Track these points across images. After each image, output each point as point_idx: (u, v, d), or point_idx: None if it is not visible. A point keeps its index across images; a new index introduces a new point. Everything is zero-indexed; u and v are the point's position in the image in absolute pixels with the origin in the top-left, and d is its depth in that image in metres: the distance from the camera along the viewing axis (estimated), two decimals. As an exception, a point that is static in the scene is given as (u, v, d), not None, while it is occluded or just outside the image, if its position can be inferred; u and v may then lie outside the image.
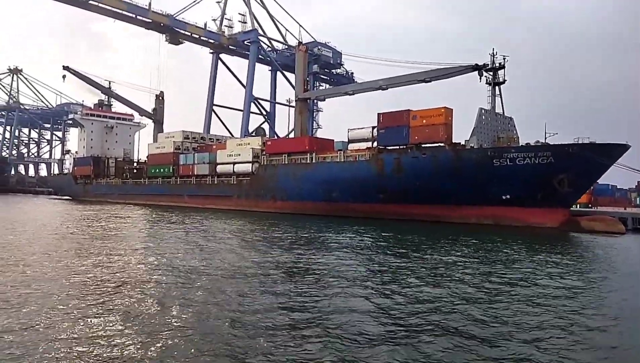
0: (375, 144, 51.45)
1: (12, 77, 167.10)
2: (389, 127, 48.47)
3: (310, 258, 21.35)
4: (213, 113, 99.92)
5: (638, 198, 73.07)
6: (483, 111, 46.09)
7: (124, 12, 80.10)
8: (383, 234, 33.87)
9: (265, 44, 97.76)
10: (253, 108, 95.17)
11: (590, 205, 57.21)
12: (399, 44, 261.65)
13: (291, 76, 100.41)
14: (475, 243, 29.39)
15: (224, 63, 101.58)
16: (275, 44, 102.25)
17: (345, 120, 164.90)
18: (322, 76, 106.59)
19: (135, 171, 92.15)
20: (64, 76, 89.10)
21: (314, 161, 55.82)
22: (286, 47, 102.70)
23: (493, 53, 48.43)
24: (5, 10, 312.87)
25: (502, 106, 48.83)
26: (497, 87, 48.45)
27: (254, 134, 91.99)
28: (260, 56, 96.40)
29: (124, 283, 15.10)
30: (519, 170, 41.05)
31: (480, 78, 48.68)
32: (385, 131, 48.95)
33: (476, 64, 48.81)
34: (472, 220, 43.71)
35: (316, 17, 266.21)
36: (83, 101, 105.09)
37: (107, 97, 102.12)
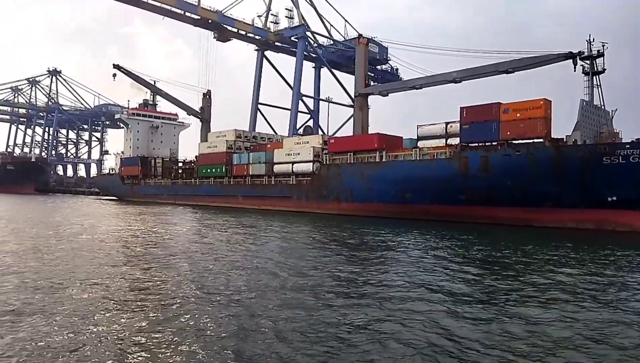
0: (449, 141, 47.75)
1: (51, 79, 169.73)
2: (474, 122, 44.42)
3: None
4: (258, 112, 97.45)
5: None
6: (584, 103, 41.72)
7: (173, 9, 78.03)
8: (475, 241, 30.73)
9: (311, 39, 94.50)
10: (300, 106, 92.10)
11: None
12: (443, 40, 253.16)
13: (337, 73, 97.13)
14: (587, 249, 26.71)
15: (268, 60, 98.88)
16: (320, 39, 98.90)
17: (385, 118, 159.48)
18: (368, 73, 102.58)
19: (184, 171, 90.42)
20: (114, 75, 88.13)
21: (384, 159, 52.29)
22: (332, 42, 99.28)
23: (589, 40, 43.97)
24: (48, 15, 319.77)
25: (601, 98, 44.30)
26: (594, 77, 43.97)
27: (301, 132, 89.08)
28: (305, 52, 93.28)
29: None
30: (633, 169, 36.69)
31: (575, 67, 44.30)
32: (469, 126, 44.82)
33: (570, 52, 44.46)
34: (570, 224, 39.41)
35: (354, 14, 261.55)
36: (129, 100, 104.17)
37: (152, 96, 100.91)
